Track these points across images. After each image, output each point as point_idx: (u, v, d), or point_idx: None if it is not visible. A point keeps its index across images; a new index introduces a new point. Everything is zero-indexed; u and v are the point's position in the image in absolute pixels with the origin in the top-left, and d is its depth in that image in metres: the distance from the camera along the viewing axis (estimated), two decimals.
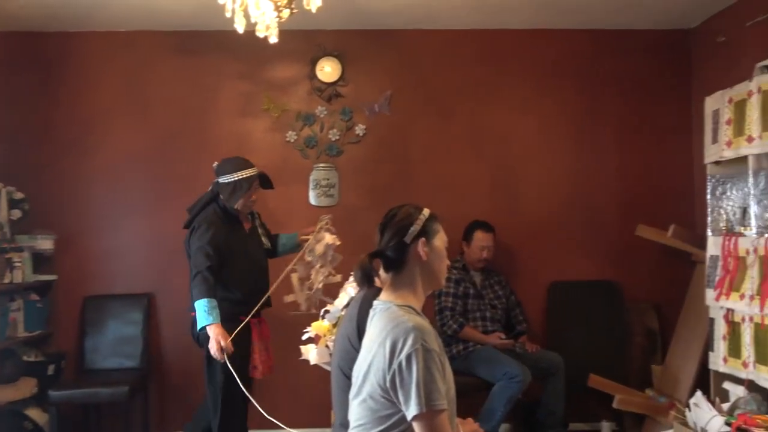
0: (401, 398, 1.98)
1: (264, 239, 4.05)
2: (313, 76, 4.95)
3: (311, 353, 3.03)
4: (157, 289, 4.90)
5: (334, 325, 3.01)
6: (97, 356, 4.75)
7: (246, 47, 4.80)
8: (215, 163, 3.94)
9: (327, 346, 2.99)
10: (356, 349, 2.31)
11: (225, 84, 4.96)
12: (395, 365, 1.98)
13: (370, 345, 2.09)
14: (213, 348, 3.54)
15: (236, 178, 3.81)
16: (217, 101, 4.96)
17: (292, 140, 4.94)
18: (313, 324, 3.12)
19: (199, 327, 3.60)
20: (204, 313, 3.57)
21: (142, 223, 4.91)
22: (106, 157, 4.92)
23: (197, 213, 3.90)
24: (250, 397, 3.59)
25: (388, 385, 2.00)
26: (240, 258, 3.81)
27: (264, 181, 3.98)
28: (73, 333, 4.83)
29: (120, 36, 4.92)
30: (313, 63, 4.94)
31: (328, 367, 2.89)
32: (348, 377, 2.30)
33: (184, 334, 4.82)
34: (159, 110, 4.95)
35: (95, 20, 4.71)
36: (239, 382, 3.55)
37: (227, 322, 3.63)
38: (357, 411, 2.10)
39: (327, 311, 3.13)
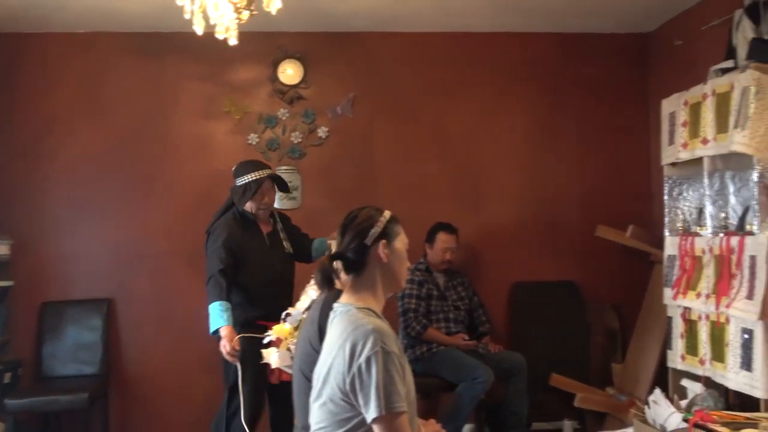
0: (361, 401, 1.97)
1: (286, 244, 3.95)
2: (274, 78, 4.92)
3: (272, 356, 3.00)
4: (117, 294, 4.82)
5: (296, 328, 2.99)
6: (55, 363, 4.66)
7: (207, 49, 4.74)
8: (234, 168, 3.95)
9: (289, 349, 2.97)
10: (318, 352, 2.30)
11: (186, 86, 4.91)
12: (355, 368, 1.97)
13: (330, 348, 2.08)
14: (223, 350, 3.50)
15: (246, 181, 3.81)
16: (178, 103, 4.91)
17: (254, 143, 4.91)
18: (275, 327, 3.10)
19: (211, 330, 3.57)
20: (216, 316, 3.55)
21: (102, 227, 4.83)
22: (65, 159, 4.83)
23: (217, 218, 3.91)
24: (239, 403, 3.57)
25: (347, 387, 1.99)
26: (256, 262, 3.77)
27: (279, 183, 3.94)
28: (31, 340, 4.73)
29: (78, 37, 4.84)
30: (275, 65, 4.92)
31: (289, 371, 2.87)
32: (309, 380, 2.29)
33: (146, 339, 4.81)
34: (119, 112, 4.87)
35: (53, 21, 4.63)
36: (240, 387, 3.53)
37: (244, 326, 3.62)
38: (317, 414, 2.09)
39: (288, 314, 3.11)
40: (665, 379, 4.09)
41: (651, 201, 5.07)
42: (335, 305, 2.20)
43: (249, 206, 3.84)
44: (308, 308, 2.95)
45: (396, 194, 4.88)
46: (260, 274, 3.77)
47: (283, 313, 3.17)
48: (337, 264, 2.21)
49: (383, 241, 2.20)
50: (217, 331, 3.56)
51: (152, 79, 4.89)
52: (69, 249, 4.80)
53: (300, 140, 4.92)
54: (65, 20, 4.61)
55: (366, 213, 2.24)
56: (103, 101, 4.87)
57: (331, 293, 2.34)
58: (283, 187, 3.99)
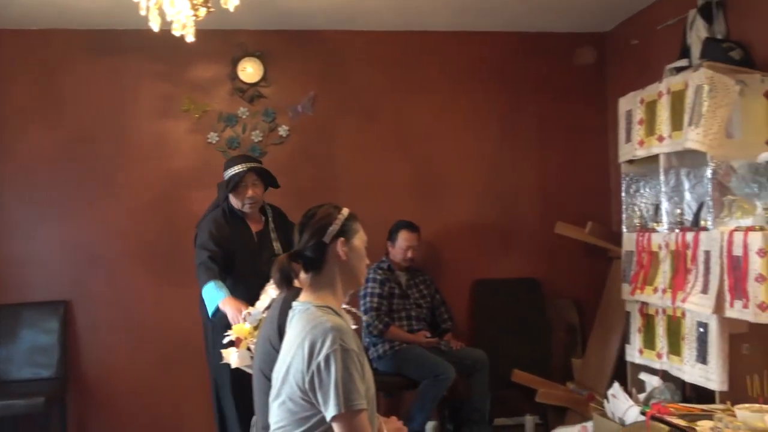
0: (320, 399, 1.97)
1: (276, 244, 3.80)
2: (234, 76, 4.88)
3: (232, 356, 2.97)
4: (74, 296, 4.73)
5: (256, 328, 2.97)
6: (10, 367, 4.54)
7: (164, 47, 4.67)
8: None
9: (249, 349, 2.94)
10: (277, 351, 2.29)
11: (143, 84, 4.83)
12: (314, 366, 1.97)
13: (289, 347, 2.08)
14: (234, 321, 3.21)
15: (229, 174, 3.74)
16: (135, 102, 4.83)
17: (214, 141, 4.86)
18: (234, 327, 3.07)
19: (211, 311, 3.41)
20: (212, 295, 3.41)
21: (58, 228, 4.74)
22: (18, 159, 4.72)
23: (206, 214, 3.83)
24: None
25: (307, 386, 1.98)
26: (242, 262, 3.67)
27: (265, 176, 3.83)
28: None
29: (31, 34, 4.73)
30: (235, 63, 4.87)
31: (249, 370, 2.85)
32: (269, 380, 2.28)
33: (104, 341, 4.73)
34: (74, 111, 4.78)
35: (4, 17, 4.52)
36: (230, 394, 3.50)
37: (227, 327, 3.33)
38: (277, 413, 2.08)
39: (248, 314, 3.08)
40: (624, 373, 4.15)
41: (609, 198, 5.13)
42: (294, 303, 2.20)
43: (234, 201, 3.76)
44: (268, 308, 2.93)
45: (357, 193, 4.87)
46: (246, 274, 3.62)
47: (243, 313, 3.15)
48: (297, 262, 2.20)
49: (342, 239, 2.20)
50: (217, 311, 3.38)
51: (108, 77, 4.80)
52: (24, 250, 4.70)
53: (260, 139, 4.89)
54: (17, 17, 4.51)
55: (324, 211, 2.24)
56: (57, 100, 4.77)
57: (290, 292, 2.33)
58: (271, 180, 3.87)
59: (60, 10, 4.41)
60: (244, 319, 3.11)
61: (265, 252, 3.72)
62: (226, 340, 3.05)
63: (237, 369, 3.01)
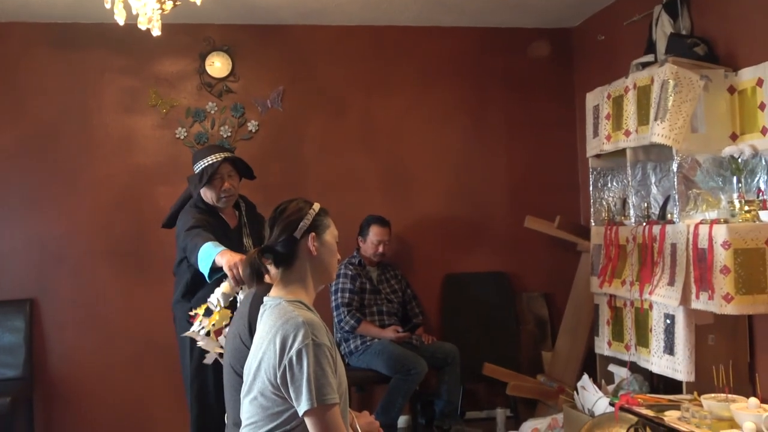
0: (292, 394, 1.96)
1: (247, 242, 3.55)
2: (202, 71, 4.83)
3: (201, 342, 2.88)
4: (40, 294, 4.66)
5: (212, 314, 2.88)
6: None
7: (130, 41, 4.64)
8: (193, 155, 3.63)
9: (208, 333, 2.86)
10: (248, 347, 2.27)
11: (108, 79, 4.77)
12: (286, 361, 1.96)
13: (260, 342, 2.07)
14: (235, 270, 2.82)
15: (202, 166, 3.44)
16: (100, 97, 4.76)
17: (182, 137, 4.81)
18: (199, 309, 2.95)
19: (207, 269, 3.00)
20: (208, 253, 3.01)
21: (22, 226, 4.66)
22: None
23: (178, 209, 3.53)
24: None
25: (278, 381, 1.98)
26: None
27: (240, 167, 3.57)
28: None
29: None
30: (202, 58, 4.83)
31: (212, 357, 2.82)
32: (240, 376, 2.26)
33: (71, 340, 4.66)
34: (37, 107, 4.69)
35: None
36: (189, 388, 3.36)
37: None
38: (248, 409, 2.07)
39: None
40: (593, 366, 4.20)
41: (577, 192, 5.19)
42: (265, 299, 2.19)
43: (208, 195, 3.47)
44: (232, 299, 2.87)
45: (326, 188, 4.86)
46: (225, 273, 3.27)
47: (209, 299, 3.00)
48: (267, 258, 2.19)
49: (312, 234, 2.19)
50: (214, 270, 3.00)
51: (72, 72, 4.73)
52: None
53: (229, 134, 4.85)
54: None
55: (295, 206, 2.23)
56: (19, 95, 4.67)
57: (260, 287, 2.32)
58: (246, 171, 3.62)
59: (21, 3, 4.33)
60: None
61: (239, 249, 3.42)
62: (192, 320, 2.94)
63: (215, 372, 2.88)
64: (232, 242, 3.33)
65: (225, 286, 2.85)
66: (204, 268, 3.05)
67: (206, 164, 3.45)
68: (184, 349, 3.52)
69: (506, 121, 5.21)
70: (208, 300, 2.86)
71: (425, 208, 5.10)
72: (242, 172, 3.62)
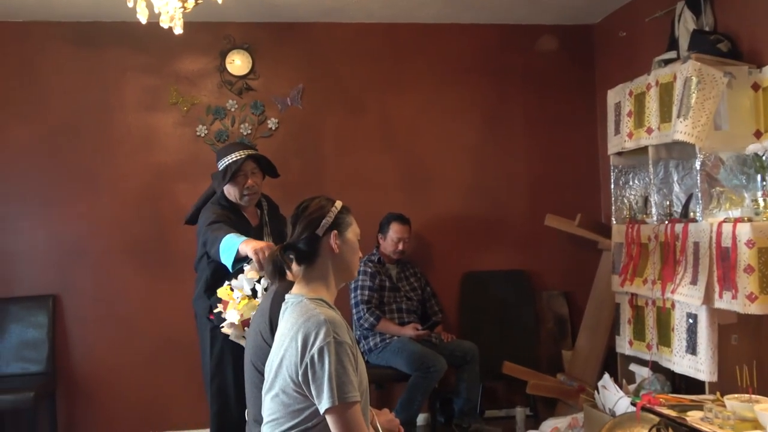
0: (314, 392, 1.97)
1: (268, 239, 3.54)
2: (222, 69, 4.85)
3: (229, 314, 2.90)
4: (62, 290, 4.70)
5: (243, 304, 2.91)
6: None
7: (151, 39, 4.67)
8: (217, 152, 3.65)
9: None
10: (269, 345, 2.28)
11: (129, 77, 4.80)
12: (307, 358, 1.96)
13: (281, 339, 2.07)
14: (261, 252, 2.83)
15: (226, 163, 3.47)
16: (121, 95, 4.80)
17: (203, 134, 4.84)
18: (219, 291, 2.96)
19: (230, 261, 2.99)
20: (230, 243, 2.99)
21: (45, 223, 4.70)
22: (2, 153, 4.68)
23: (200, 206, 3.55)
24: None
25: (300, 378, 1.98)
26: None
27: (264, 165, 3.59)
28: None
29: (11, 26, 4.68)
30: (223, 56, 4.85)
31: (238, 340, 2.84)
32: (261, 373, 2.27)
33: (93, 336, 4.71)
34: (59, 105, 4.73)
35: None
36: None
37: (216, 327, 3.11)
38: (270, 406, 2.08)
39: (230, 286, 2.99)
40: (614, 365, 4.18)
41: (598, 190, 5.16)
42: (287, 296, 2.19)
43: (231, 192, 3.49)
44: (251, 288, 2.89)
45: (345, 185, 4.87)
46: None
47: (226, 283, 3.02)
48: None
49: (335, 232, 2.19)
50: (238, 260, 2.99)
51: (93, 70, 4.76)
52: (10, 245, 4.67)
53: (249, 131, 4.87)
54: None
55: (317, 203, 2.23)
56: (40, 94, 4.72)
57: (282, 284, 2.32)
58: (270, 170, 3.64)
59: (42, 2, 4.36)
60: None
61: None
62: (216, 310, 2.97)
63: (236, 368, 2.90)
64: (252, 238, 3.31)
65: (249, 271, 2.87)
66: (227, 259, 3.03)
67: (230, 161, 3.47)
68: (205, 345, 3.55)
69: (526, 118, 5.18)
70: (232, 284, 2.86)
71: (444, 206, 5.09)
72: (266, 170, 3.64)
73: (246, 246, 2.93)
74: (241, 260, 3.00)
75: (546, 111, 5.19)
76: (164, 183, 4.81)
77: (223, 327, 2.91)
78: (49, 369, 4.55)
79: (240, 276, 2.90)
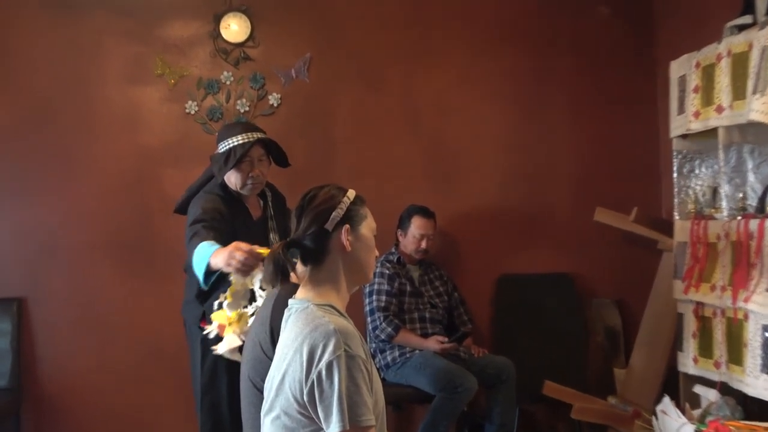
0: (321, 413, 1.97)
1: (273, 236, 3.60)
2: (216, 35, 4.87)
3: (220, 346, 2.97)
4: (29, 292, 4.74)
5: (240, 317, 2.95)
6: None
7: (134, 1, 4.68)
8: (218, 132, 3.67)
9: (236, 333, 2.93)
10: (269, 358, 2.29)
11: (109, 44, 4.82)
12: (314, 375, 1.96)
13: (284, 351, 2.07)
14: (240, 260, 2.85)
15: (230, 145, 3.46)
16: (99, 65, 4.82)
17: (193, 112, 4.85)
18: (213, 315, 3.03)
19: (202, 272, 3.06)
20: (203, 253, 3.04)
21: (9, 215, 4.75)
22: None
23: (194, 192, 3.57)
24: None
25: (305, 398, 1.98)
26: None
27: (274, 151, 3.61)
28: None
29: None
30: (217, 20, 4.86)
31: (236, 357, 2.87)
32: (260, 390, 2.28)
33: (66, 345, 4.74)
34: (28, 78, 4.77)
35: None
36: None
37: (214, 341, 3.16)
38: (270, 429, 2.08)
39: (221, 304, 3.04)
40: (675, 386, 4.15)
41: (658, 180, 5.12)
42: (291, 301, 2.20)
43: (232, 179, 3.50)
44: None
45: (360, 173, 4.87)
46: None
47: (216, 303, 3.07)
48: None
49: (347, 226, 2.20)
50: (210, 273, 3.04)
51: (68, 37, 4.79)
52: None
53: (247, 109, 4.88)
54: None
55: (326, 193, 2.23)
56: (8, 65, 4.75)
57: (284, 288, 2.33)
58: (280, 158, 3.66)
59: None
60: (252, 251, 2.84)
61: (261, 243, 3.33)
62: (212, 335, 3.01)
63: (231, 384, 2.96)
64: (253, 235, 3.34)
65: (236, 284, 2.90)
66: (198, 273, 3.07)
67: (235, 144, 3.47)
68: (195, 357, 3.57)
69: (573, 95, 5.16)
70: (222, 304, 2.91)
71: (475, 198, 5.08)
72: (275, 157, 3.65)
73: (216, 259, 2.95)
74: (212, 273, 3.03)
75: (597, 87, 5.17)
76: (149, 168, 4.83)
77: (217, 348, 2.94)
78: (13, 384, 4.59)
79: (224, 303, 2.94)
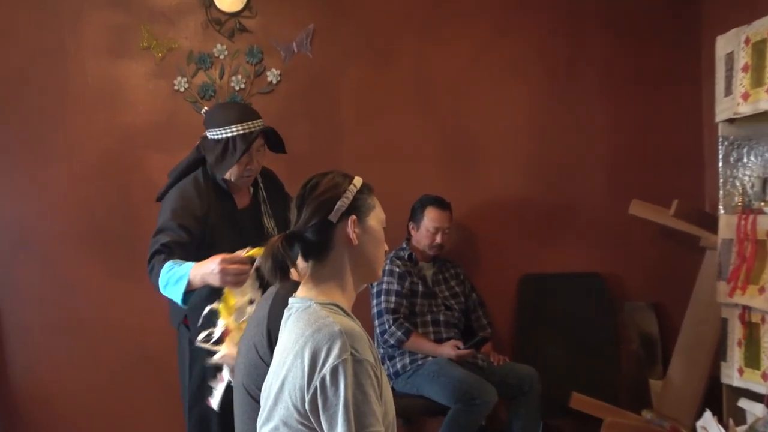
0: (324, 424, 1.97)
1: (268, 222, 3.64)
2: (209, 3, 4.87)
3: (218, 355, 2.99)
4: None
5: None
6: None
7: None
8: (204, 110, 3.71)
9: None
10: (266, 363, 2.29)
11: (88, 13, 4.82)
12: (317, 381, 1.97)
13: (283, 355, 2.08)
14: (228, 276, 2.97)
15: (230, 134, 3.45)
16: (77, 37, 4.82)
17: (182, 89, 4.86)
18: (221, 309, 3.04)
19: (181, 295, 3.13)
20: (174, 273, 3.14)
21: None
22: None
23: (175, 180, 3.57)
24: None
25: (307, 407, 1.99)
26: (223, 245, 3.29)
27: (272, 139, 3.63)
28: None
29: None
30: None
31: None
32: (256, 399, 2.29)
33: (39, 349, 4.76)
34: None
35: None
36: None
37: (204, 327, 3.19)
38: None
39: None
40: (718, 399, 4.16)
41: (702, 169, 5.13)
42: (291, 300, 2.20)
43: (233, 174, 3.54)
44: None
45: (367, 159, 4.87)
46: None
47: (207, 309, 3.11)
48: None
49: (353, 217, 2.20)
50: (189, 293, 3.13)
51: (42, 4, 4.80)
52: None
53: (243, 86, 4.89)
54: None
55: (330, 180, 2.23)
56: None
57: (284, 286, 2.33)
58: (277, 145, 3.67)
59: None
60: (243, 263, 2.94)
61: (253, 233, 3.47)
62: (201, 336, 3.04)
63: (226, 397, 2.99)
64: (238, 226, 3.45)
65: (230, 299, 2.94)
66: (176, 295, 3.15)
67: (234, 134, 3.46)
68: (183, 364, 3.59)
69: (606, 74, 5.15)
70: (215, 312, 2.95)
71: (496, 187, 5.09)
72: (271, 143, 3.67)
73: (196, 275, 3.06)
74: (193, 291, 3.13)
75: (633, 65, 5.17)
76: (132, 152, 4.83)
77: (215, 357, 2.99)
78: None
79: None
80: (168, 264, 3.19)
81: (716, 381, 4.21)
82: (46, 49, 4.81)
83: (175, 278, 3.14)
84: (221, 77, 4.89)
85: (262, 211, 3.65)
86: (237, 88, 4.88)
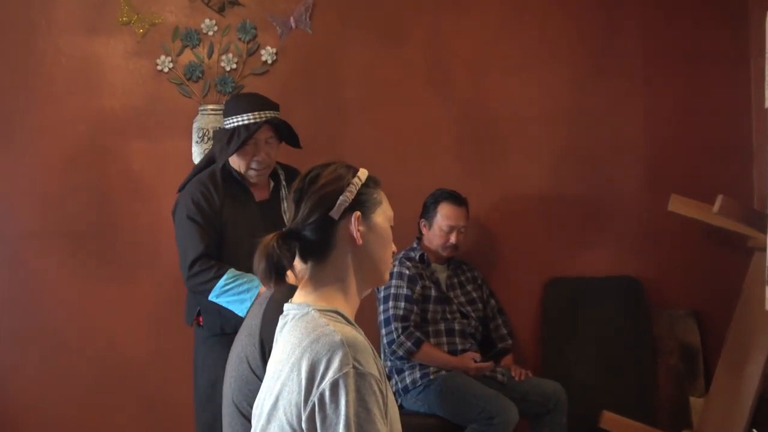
0: None
1: (286, 217, 3.91)
2: None
3: None
4: None
5: None
6: None
7: None
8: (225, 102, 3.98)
9: None
10: (258, 377, 2.30)
11: None
12: (315, 397, 1.97)
13: (277, 368, 2.08)
14: None
15: (235, 124, 3.80)
16: (48, 10, 4.84)
17: (166, 69, 4.87)
18: None
19: (244, 308, 3.52)
20: (239, 287, 3.60)
21: None
22: None
23: (197, 172, 3.90)
24: None
25: (304, 425, 1.98)
26: (238, 243, 3.74)
27: (283, 130, 3.92)
28: None
29: None
30: None
31: None
32: (246, 417, 2.29)
33: (8, 358, 4.78)
34: None
35: None
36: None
37: (215, 335, 3.69)
38: None
39: None
40: (767, 419, 4.15)
41: (749, 161, 5.12)
42: (286, 306, 2.20)
43: (235, 163, 3.87)
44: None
45: (373, 148, 4.90)
46: (244, 260, 3.44)
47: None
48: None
49: (357, 214, 2.19)
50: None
51: None
52: None
53: (234, 66, 4.91)
54: None
55: (332, 172, 2.23)
56: None
57: (279, 290, 2.33)
58: (291, 138, 3.98)
59: None
60: None
61: (270, 228, 3.65)
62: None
63: None
64: (254, 220, 3.72)
65: None
66: (239, 305, 3.56)
67: (240, 123, 3.76)
68: (196, 367, 3.80)
69: (644, 55, 5.16)
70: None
71: (518, 181, 5.10)
72: (285, 137, 3.91)
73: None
74: None
75: (673, 45, 5.17)
76: (110, 138, 4.85)
77: None
78: None
79: None
80: (230, 272, 3.61)
81: (765, 398, 4.21)
82: (12, 23, 4.83)
83: (242, 288, 3.55)
84: (210, 56, 4.90)
85: (281, 207, 3.88)
86: (228, 69, 4.89)
